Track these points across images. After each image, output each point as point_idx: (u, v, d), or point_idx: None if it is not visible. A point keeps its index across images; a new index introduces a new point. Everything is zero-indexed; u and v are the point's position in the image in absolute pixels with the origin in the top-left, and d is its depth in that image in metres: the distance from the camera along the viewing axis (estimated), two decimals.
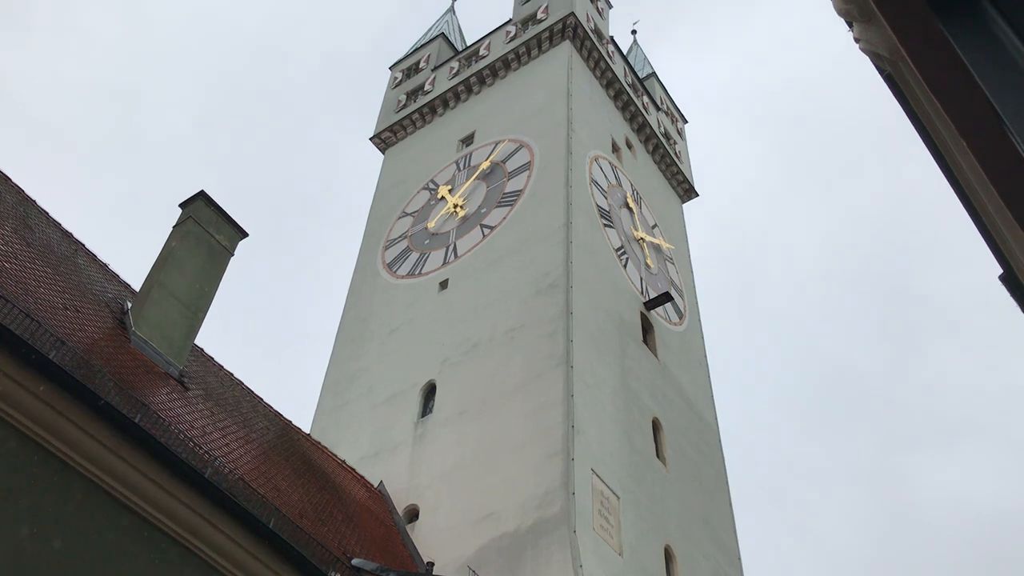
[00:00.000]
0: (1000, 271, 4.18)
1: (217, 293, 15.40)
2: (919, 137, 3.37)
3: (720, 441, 24.76)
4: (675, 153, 34.26)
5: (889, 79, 3.48)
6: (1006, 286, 4.35)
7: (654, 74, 38.20)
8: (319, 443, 18.26)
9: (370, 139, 33.29)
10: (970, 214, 3.79)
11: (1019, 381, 75.39)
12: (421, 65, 35.23)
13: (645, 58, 39.90)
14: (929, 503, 72.84)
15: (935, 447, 77.79)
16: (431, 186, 28.37)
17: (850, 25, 3.41)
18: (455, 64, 33.23)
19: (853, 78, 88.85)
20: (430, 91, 32.96)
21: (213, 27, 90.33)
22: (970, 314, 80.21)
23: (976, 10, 2.08)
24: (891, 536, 70.84)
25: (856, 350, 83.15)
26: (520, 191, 25.14)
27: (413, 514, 18.47)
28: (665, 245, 28.82)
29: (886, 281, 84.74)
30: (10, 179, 14.53)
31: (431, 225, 26.33)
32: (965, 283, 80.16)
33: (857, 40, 3.37)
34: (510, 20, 33.00)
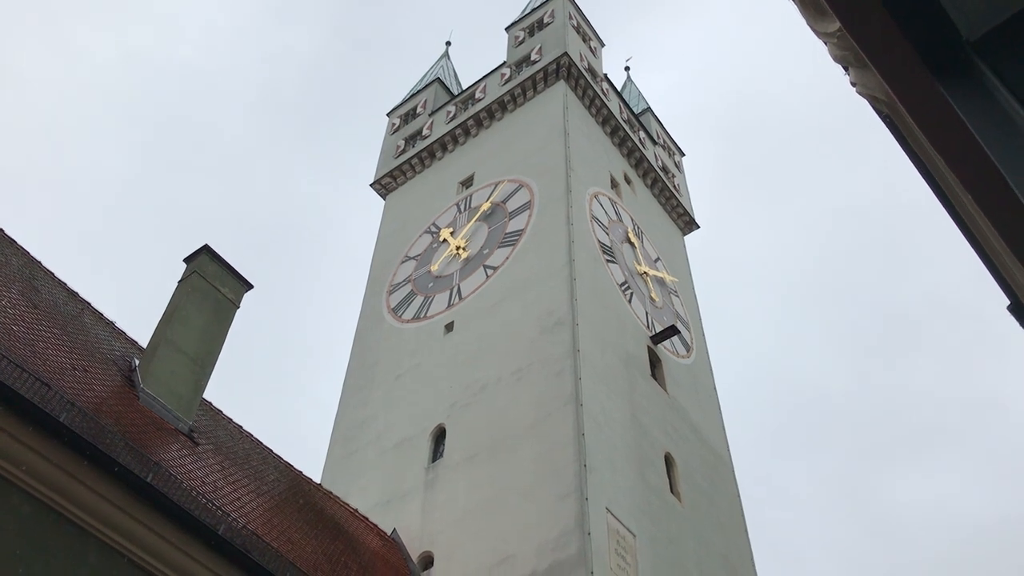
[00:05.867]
0: (1008, 302, 4.21)
1: (224, 346, 15.47)
2: (921, 177, 3.42)
3: (734, 473, 24.56)
4: (674, 186, 34.44)
5: (888, 120, 3.53)
6: (1014, 315, 4.39)
7: (649, 109, 38.53)
8: (330, 492, 18.15)
9: (370, 185, 33.53)
10: (974, 247, 3.82)
11: (988, 389, 75.40)
12: (418, 110, 35.59)
13: (639, 94, 40.28)
14: (904, 516, 72.19)
15: (907, 459, 77.27)
16: (433, 229, 28.51)
17: (846, 69, 3.47)
18: (452, 108, 33.56)
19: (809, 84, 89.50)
20: (428, 135, 33.25)
21: (147, 66, 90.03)
22: (934, 323, 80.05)
23: (970, 69, 2.14)
24: (868, 551, 70.12)
25: (822, 365, 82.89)
26: (522, 231, 25.25)
27: (428, 561, 18.28)
28: (668, 278, 28.85)
29: (849, 292, 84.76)
30: (15, 242, 14.64)
31: (434, 268, 26.40)
32: (926, 291, 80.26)
33: (854, 84, 3.43)
34: (504, 63, 33.39)
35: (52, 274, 14.88)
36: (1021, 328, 4.53)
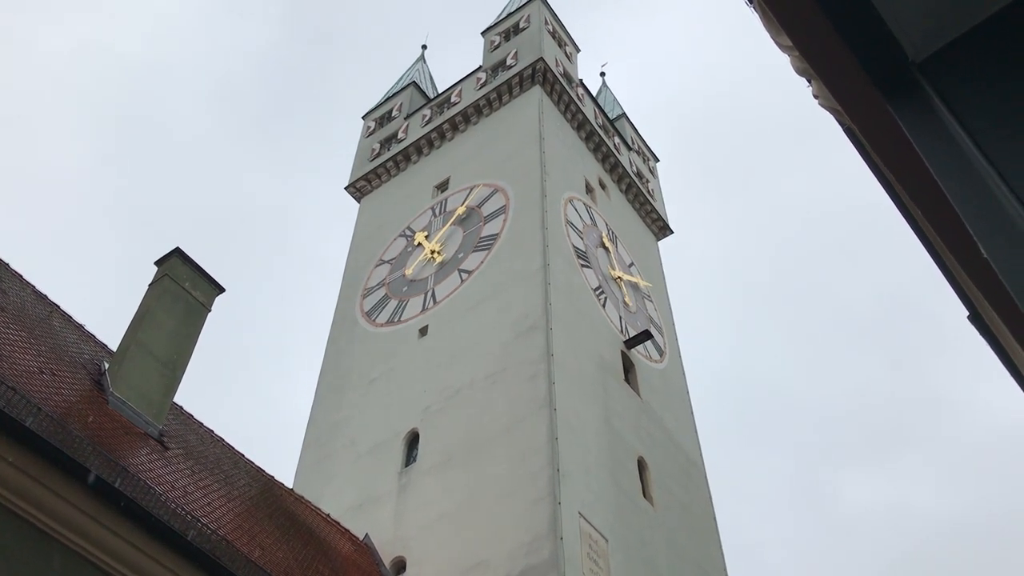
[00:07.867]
0: (967, 312, 4.29)
1: (195, 349, 15.34)
2: (882, 188, 3.48)
3: (706, 478, 24.70)
4: (648, 192, 34.61)
5: (849, 132, 3.59)
6: (974, 325, 4.47)
7: (624, 115, 38.70)
8: (302, 497, 18.05)
9: (345, 188, 33.40)
10: (933, 257, 3.89)
11: (945, 390, 76.72)
12: (394, 113, 35.50)
13: (615, 99, 40.45)
14: (864, 516, 73.04)
15: (867, 460, 78.21)
16: (407, 233, 28.46)
17: (809, 82, 3.52)
18: (427, 111, 33.52)
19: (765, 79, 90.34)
20: (404, 139, 33.19)
21: (97, 58, 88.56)
22: (885, 322, 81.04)
23: (917, 90, 2.19)
24: (828, 552, 70.90)
25: (784, 366, 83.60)
26: (496, 235, 25.27)
27: (400, 566, 18.23)
28: (642, 283, 28.99)
29: (799, 289, 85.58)
30: None
31: (409, 272, 26.36)
32: (878, 289, 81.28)
33: (816, 96, 3.48)
34: (480, 67, 33.42)
35: (20, 276, 14.69)
36: (981, 337, 4.61)
